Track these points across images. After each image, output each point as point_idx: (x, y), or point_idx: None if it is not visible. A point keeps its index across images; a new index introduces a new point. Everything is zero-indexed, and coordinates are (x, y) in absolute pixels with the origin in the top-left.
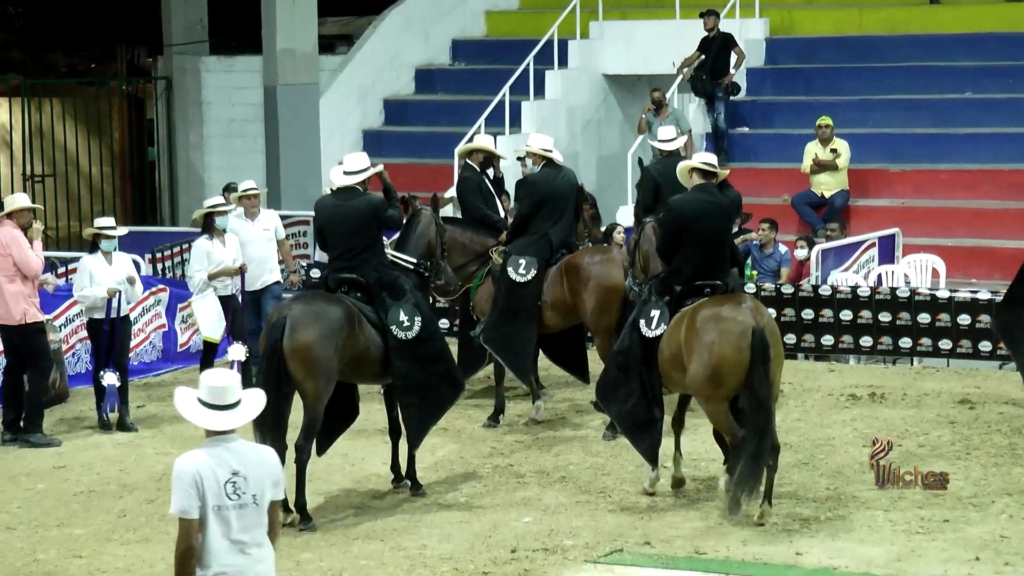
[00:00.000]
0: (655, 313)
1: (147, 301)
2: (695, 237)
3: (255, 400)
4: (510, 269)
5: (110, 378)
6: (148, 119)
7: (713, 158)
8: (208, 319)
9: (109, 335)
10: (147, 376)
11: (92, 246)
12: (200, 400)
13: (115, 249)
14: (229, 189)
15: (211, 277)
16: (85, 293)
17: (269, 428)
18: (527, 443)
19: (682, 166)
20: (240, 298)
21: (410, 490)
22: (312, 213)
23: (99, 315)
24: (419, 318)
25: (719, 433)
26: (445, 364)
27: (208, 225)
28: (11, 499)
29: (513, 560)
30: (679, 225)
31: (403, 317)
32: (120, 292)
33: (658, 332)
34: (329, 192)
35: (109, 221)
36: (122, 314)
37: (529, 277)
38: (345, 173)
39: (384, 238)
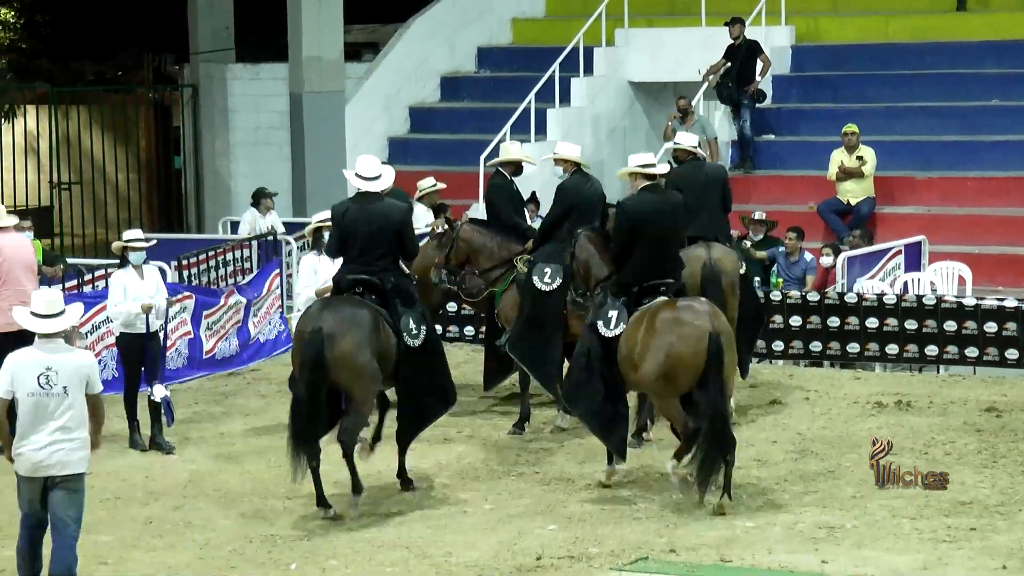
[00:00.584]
0: (612, 314)
1: (173, 308)
2: (648, 237)
3: (75, 311)
4: (535, 278)
5: (159, 391)
6: (174, 127)
7: (650, 158)
8: None
9: (150, 351)
10: (173, 383)
11: (121, 260)
12: (32, 312)
13: (145, 262)
14: (261, 195)
15: (318, 294)
16: (119, 309)
17: (306, 437)
18: (552, 451)
19: (621, 172)
20: None
21: (401, 486)
22: None
23: (131, 330)
24: (424, 327)
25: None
26: (443, 377)
27: (316, 241)
28: None
29: (538, 568)
30: (633, 226)
31: (412, 325)
32: (152, 308)
33: (617, 332)
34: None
35: (136, 233)
36: (151, 330)
37: (554, 286)
38: (360, 176)
39: None
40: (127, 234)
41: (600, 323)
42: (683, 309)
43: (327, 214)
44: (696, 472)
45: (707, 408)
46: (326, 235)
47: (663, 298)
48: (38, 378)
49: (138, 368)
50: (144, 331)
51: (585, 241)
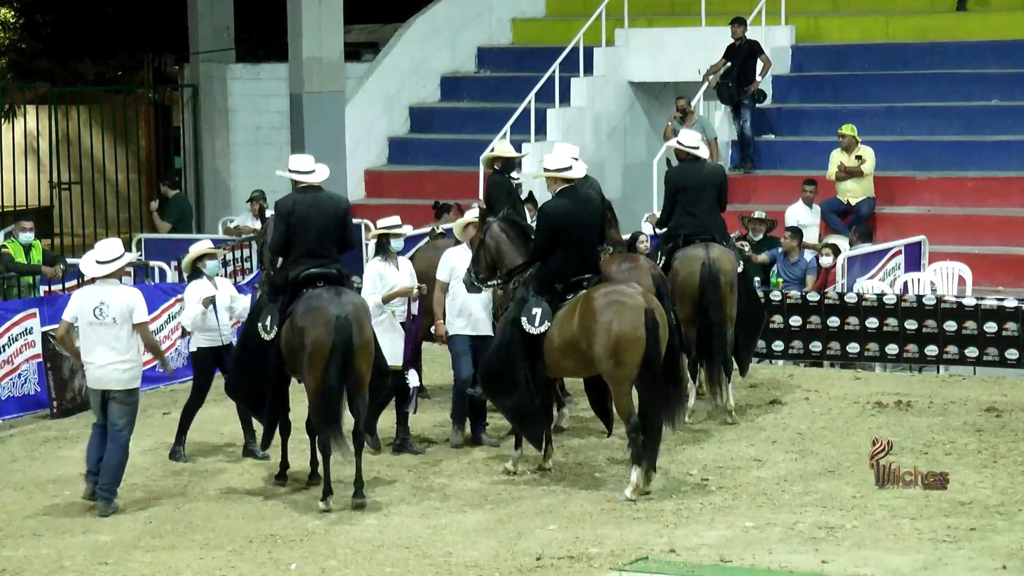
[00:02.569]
0: (537, 311)
1: (173, 308)
2: (569, 239)
3: (126, 257)
4: (524, 318)
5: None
6: (174, 127)
7: (567, 161)
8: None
9: (226, 362)
10: (173, 383)
11: (193, 272)
12: (95, 259)
13: (218, 273)
14: (254, 200)
15: (384, 300)
16: (189, 314)
17: (338, 423)
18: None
19: (538, 174)
20: (415, 325)
21: (369, 444)
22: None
23: (208, 343)
24: None
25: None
26: (380, 357)
27: (382, 247)
28: (38, 506)
29: (538, 568)
30: (554, 229)
31: None
32: (216, 306)
33: (541, 329)
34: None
35: (207, 244)
36: (225, 343)
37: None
38: (297, 172)
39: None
40: (198, 247)
41: (524, 320)
42: (613, 292)
43: (394, 219)
44: (642, 456)
45: (642, 383)
46: (393, 243)
47: (591, 287)
48: (94, 310)
49: (207, 385)
50: (219, 344)
51: (497, 230)
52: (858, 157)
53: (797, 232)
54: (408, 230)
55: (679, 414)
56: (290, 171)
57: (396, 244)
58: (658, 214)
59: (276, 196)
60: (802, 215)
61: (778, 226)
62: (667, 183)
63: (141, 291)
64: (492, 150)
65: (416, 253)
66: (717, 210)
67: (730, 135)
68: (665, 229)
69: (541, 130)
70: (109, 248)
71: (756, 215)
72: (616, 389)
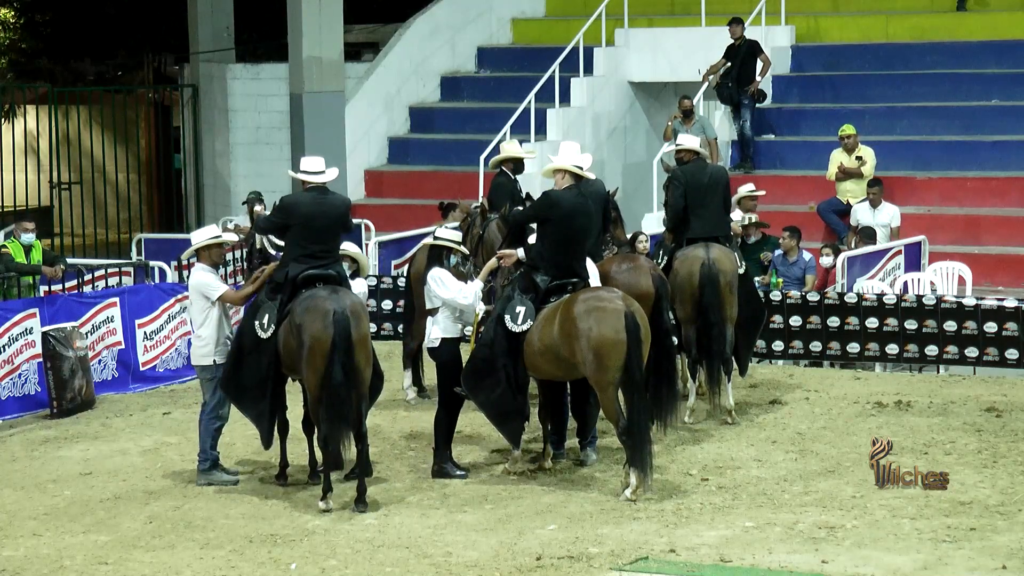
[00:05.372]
0: (520, 309)
1: (173, 308)
2: (562, 234)
3: (220, 238)
4: (507, 316)
5: None
6: (174, 126)
7: (576, 157)
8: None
9: None
10: (173, 383)
11: (433, 258)
12: (192, 240)
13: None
14: (249, 201)
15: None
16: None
17: (345, 421)
18: None
19: (547, 169)
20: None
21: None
22: None
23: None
24: None
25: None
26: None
27: (438, 258)
28: (38, 506)
29: (538, 567)
30: (548, 214)
31: None
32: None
33: (524, 327)
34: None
35: (455, 234)
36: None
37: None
38: (308, 172)
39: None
40: (447, 233)
41: (507, 317)
42: (593, 297)
43: (455, 234)
44: (634, 463)
45: (626, 388)
46: (452, 258)
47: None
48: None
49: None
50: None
51: (495, 229)
52: (858, 158)
53: (796, 232)
54: (465, 252)
55: (674, 415)
56: (301, 171)
57: (452, 260)
58: (662, 216)
59: (275, 196)
60: (864, 215)
61: (772, 226)
62: (675, 181)
63: (140, 292)
64: (499, 152)
65: (417, 253)
66: (723, 212)
67: (730, 135)
68: (676, 230)
69: (541, 130)
70: (203, 231)
71: (749, 219)
72: (601, 394)
